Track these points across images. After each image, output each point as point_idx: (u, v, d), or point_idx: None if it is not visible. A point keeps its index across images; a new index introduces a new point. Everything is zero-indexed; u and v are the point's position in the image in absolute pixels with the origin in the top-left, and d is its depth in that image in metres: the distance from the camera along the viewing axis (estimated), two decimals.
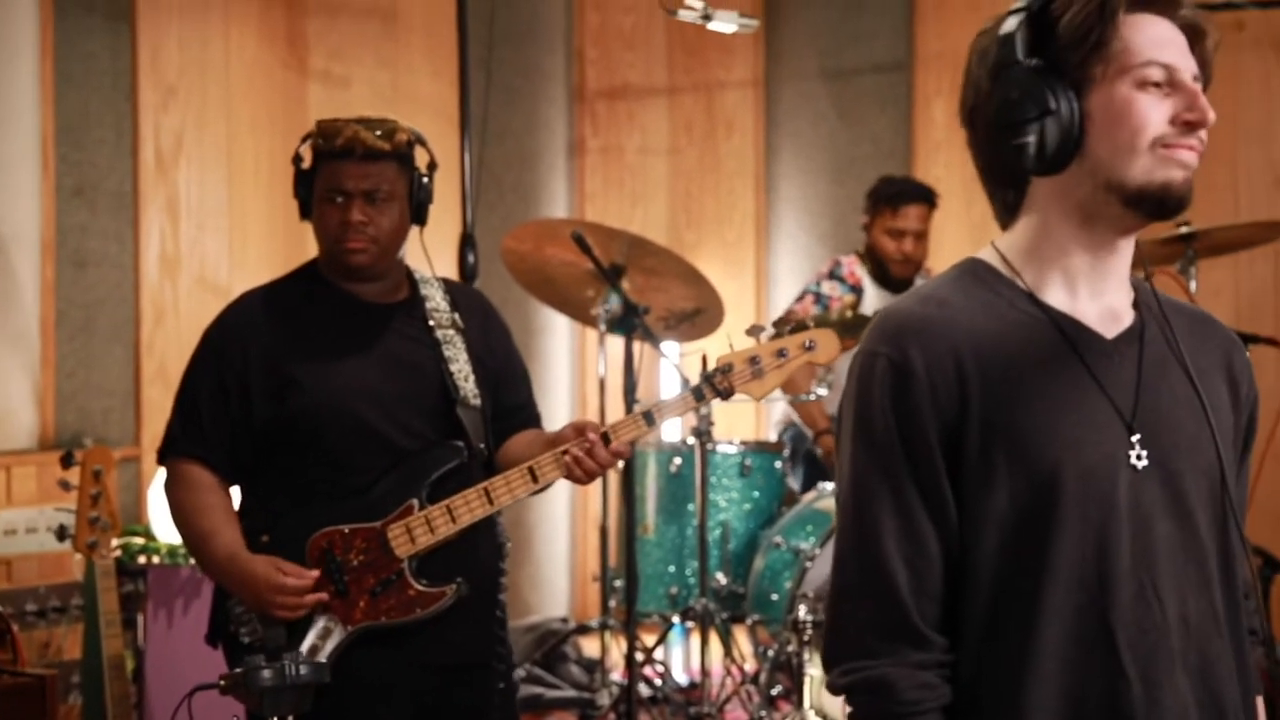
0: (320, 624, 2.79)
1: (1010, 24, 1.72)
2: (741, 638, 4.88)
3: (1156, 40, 1.71)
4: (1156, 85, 1.71)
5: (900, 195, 5.25)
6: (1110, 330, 1.76)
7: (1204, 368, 1.80)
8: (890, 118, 6.24)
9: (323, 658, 2.75)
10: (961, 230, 5.78)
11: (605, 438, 2.82)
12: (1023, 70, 1.71)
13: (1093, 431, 1.70)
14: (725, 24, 4.52)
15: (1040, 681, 1.68)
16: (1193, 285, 4.48)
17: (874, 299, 5.29)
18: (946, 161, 6.02)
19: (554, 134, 6.44)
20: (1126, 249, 1.77)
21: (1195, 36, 1.74)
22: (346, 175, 2.86)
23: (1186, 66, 1.72)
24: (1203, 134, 1.71)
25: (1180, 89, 1.71)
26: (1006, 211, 1.81)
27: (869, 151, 6.20)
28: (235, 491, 2.93)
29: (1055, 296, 1.76)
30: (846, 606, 1.73)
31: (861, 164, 6.16)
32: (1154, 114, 1.70)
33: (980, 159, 1.81)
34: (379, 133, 2.87)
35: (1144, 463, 1.71)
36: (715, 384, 2.89)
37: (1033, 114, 1.71)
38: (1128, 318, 1.78)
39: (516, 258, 4.65)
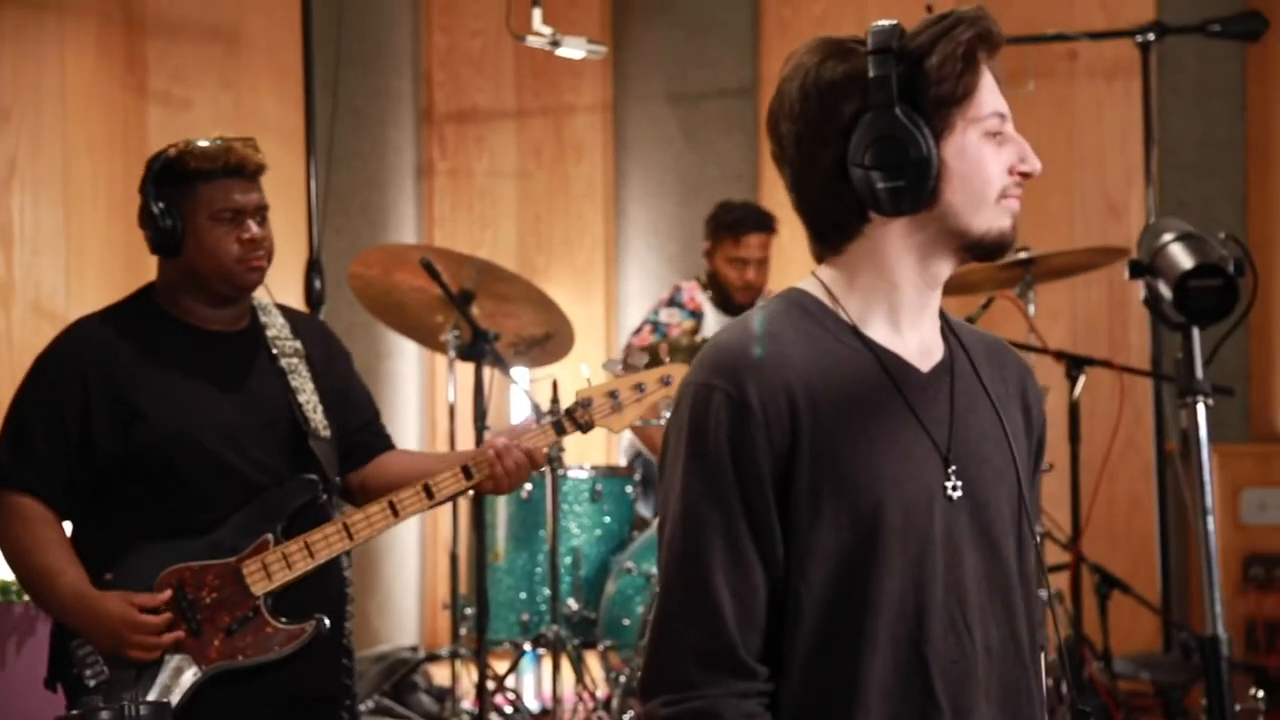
0: (172, 664, 2.72)
1: (876, 66, 1.74)
2: (594, 664, 4.87)
3: (994, 88, 1.77)
4: (996, 134, 1.76)
5: (741, 224, 5.30)
6: (925, 364, 1.81)
7: (1002, 395, 1.85)
8: (737, 141, 6.30)
9: (175, 698, 2.68)
10: (808, 253, 5.83)
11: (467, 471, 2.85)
12: (892, 113, 1.73)
13: (912, 466, 1.75)
14: (573, 50, 4.53)
15: (863, 713, 1.72)
16: (1031, 309, 4.58)
17: (714, 324, 5.34)
18: None
19: (402, 157, 6.40)
20: (938, 289, 1.82)
21: (999, 71, 1.80)
22: (238, 193, 2.81)
23: (1007, 110, 1.78)
24: None
25: (1011, 138, 1.78)
26: (830, 244, 1.82)
27: (716, 175, 6.26)
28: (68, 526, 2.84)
29: (878, 330, 1.80)
30: (671, 636, 1.75)
31: (709, 187, 6.22)
32: (998, 165, 1.76)
33: (811, 193, 1.81)
34: (254, 150, 2.84)
35: (958, 494, 1.76)
36: (576, 418, 2.93)
37: (910, 158, 1.73)
38: (939, 351, 1.83)
39: (364, 283, 4.59)
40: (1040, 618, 1.87)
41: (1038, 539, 1.85)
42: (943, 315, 1.86)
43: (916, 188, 1.73)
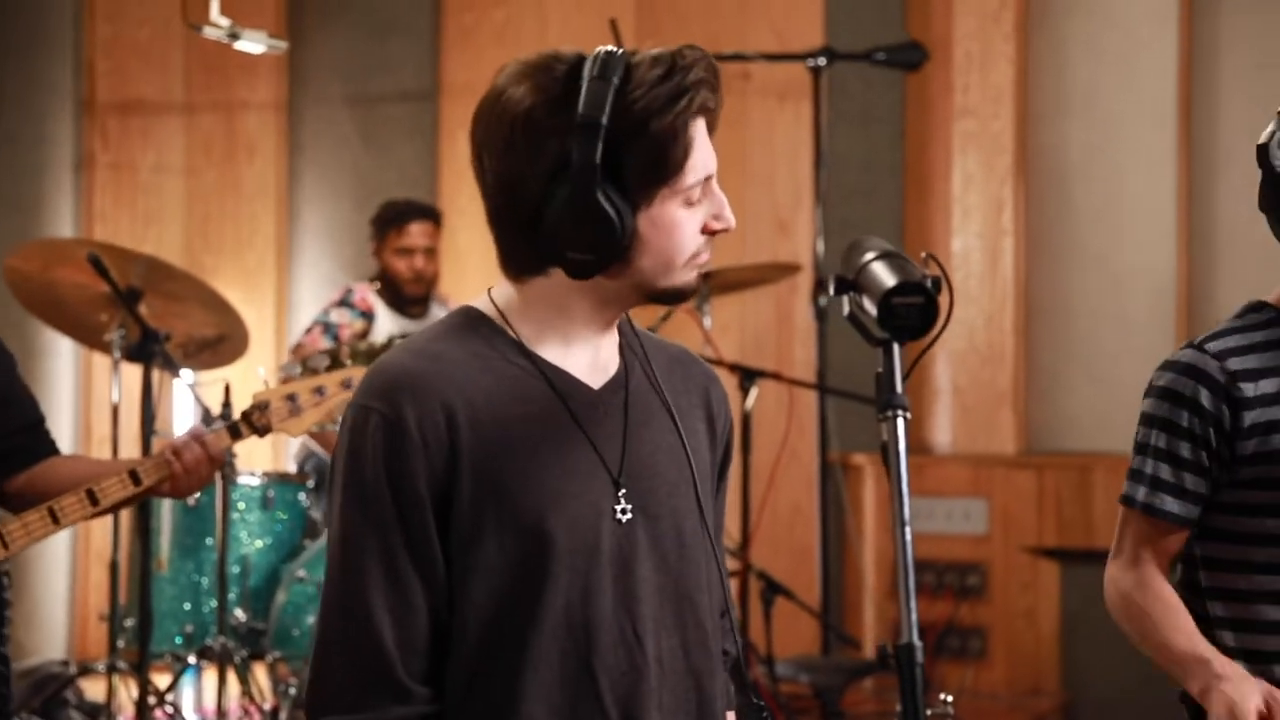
0: None
1: (584, 142, 1.68)
2: (262, 675, 4.74)
3: (703, 151, 1.74)
4: (698, 201, 1.75)
5: (404, 214, 5.35)
6: (597, 380, 1.81)
7: (684, 407, 1.87)
8: (416, 147, 6.25)
9: None
10: (488, 264, 5.82)
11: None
12: (593, 194, 1.69)
13: (577, 483, 1.75)
14: (254, 44, 4.40)
15: None
16: (707, 321, 4.70)
17: (387, 324, 5.31)
18: (472, 194, 6.00)
19: (60, 148, 6.11)
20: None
21: (714, 123, 1.78)
22: None
23: (715, 166, 1.77)
24: None
25: (711, 193, 1.77)
26: (512, 270, 1.80)
27: (394, 179, 6.19)
28: None
29: (548, 350, 1.79)
30: (331, 658, 1.74)
31: (387, 192, 6.15)
32: (693, 230, 1.76)
33: (503, 222, 1.78)
34: None
35: (628, 513, 1.77)
36: (253, 421, 2.83)
37: (596, 240, 1.71)
38: (614, 366, 1.83)
39: (21, 278, 4.35)
40: (728, 626, 1.90)
41: (719, 550, 1.87)
42: (632, 327, 1.87)
43: (604, 262, 1.72)
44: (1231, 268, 5.36)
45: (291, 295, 6.43)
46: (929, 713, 1.57)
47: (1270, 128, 2.22)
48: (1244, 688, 2.15)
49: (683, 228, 1.75)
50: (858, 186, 5.69)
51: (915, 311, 1.59)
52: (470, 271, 5.73)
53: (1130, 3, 5.50)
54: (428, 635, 1.74)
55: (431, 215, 5.39)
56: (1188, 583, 2.34)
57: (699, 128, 1.74)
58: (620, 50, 1.74)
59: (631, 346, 1.86)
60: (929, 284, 1.60)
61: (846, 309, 1.68)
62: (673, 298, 1.80)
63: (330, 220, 6.38)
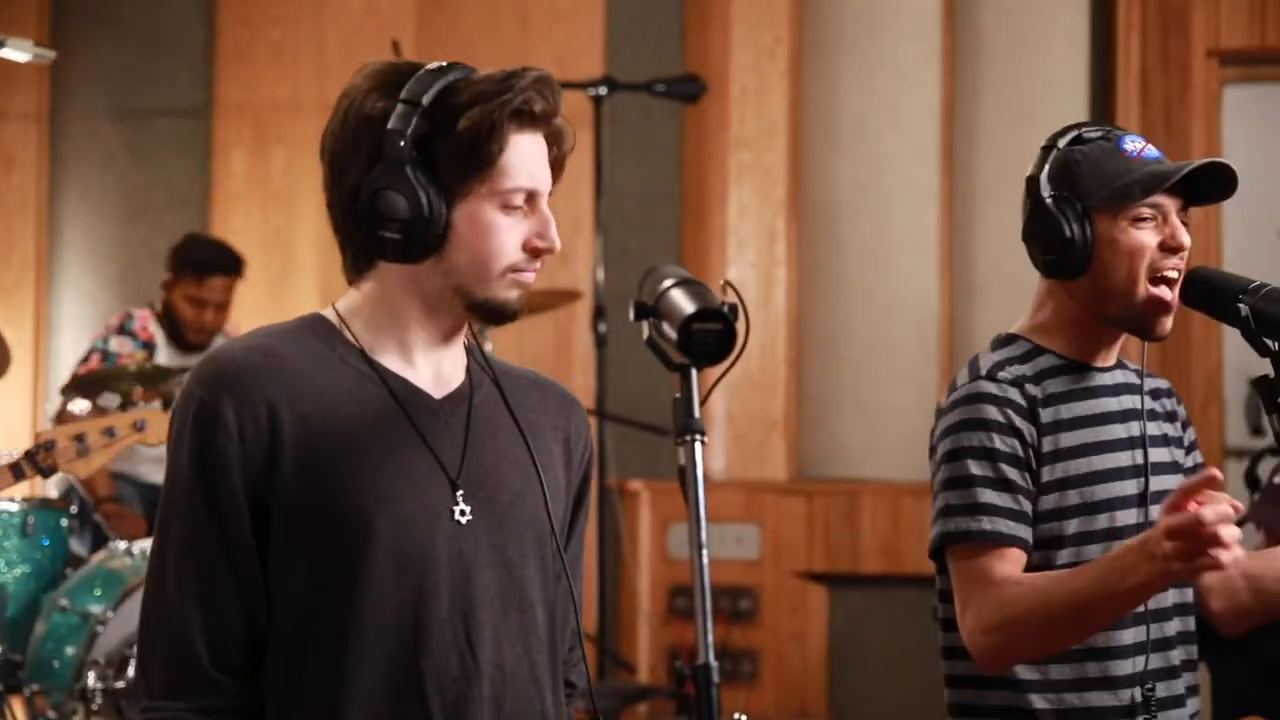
0: None
1: (399, 118, 1.75)
2: (20, 710, 4.55)
3: (528, 161, 1.79)
4: (518, 208, 1.79)
5: (207, 265, 5.13)
6: (439, 391, 1.83)
7: (539, 426, 1.89)
8: (187, 164, 6.10)
9: None
10: (261, 284, 5.73)
11: None
12: (400, 168, 1.74)
13: (411, 484, 1.76)
14: (19, 53, 4.23)
15: None
16: (488, 346, 4.68)
17: (166, 356, 5.15)
18: (246, 213, 5.96)
19: None
20: (462, 329, 1.86)
21: (557, 141, 1.83)
22: None
23: (546, 185, 1.81)
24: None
25: (537, 212, 1.81)
26: (350, 272, 1.85)
27: (164, 197, 6.03)
28: None
29: (389, 358, 1.81)
30: (146, 647, 1.78)
31: (156, 210, 5.99)
32: (511, 239, 1.79)
33: (335, 218, 1.83)
34: None
35: (467, 516, 1.78)
36: (38, 461, 2.74)
37: (402, 215, 1.75)
38: (458, 380, 1.85)
39: None
40: (577, 659, 1.92)
41: (575, 580, 1.88)
42: (482, 353, 1.90)
43: (409, 243, 1.76)
44: (988, 300, 5.57)
45: (51, 315, 6.20)
46: None
47: (1038, 160, 2.31)
48: (1154, 539, 2.00)
49: (498, 233, 1.78)
50: (637, 215, 5.75)
51: (714, 337, 1.63)
52: (245, 294, 5.58)
53: (899, 45, 5.69)
54: (239, 627, 1.75)
55: (235, 269, 5.18)
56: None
57: (528, 139, 1.79)
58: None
59: (482, 366, 1.88)
60: (727, 311, 1.64)
61: (646, 334, 1.70)
62: (493, 312, 1.81)
63: (94, 237, 6.18)
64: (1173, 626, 2.28)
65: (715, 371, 1.71)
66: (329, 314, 1.85)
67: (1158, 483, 2.28)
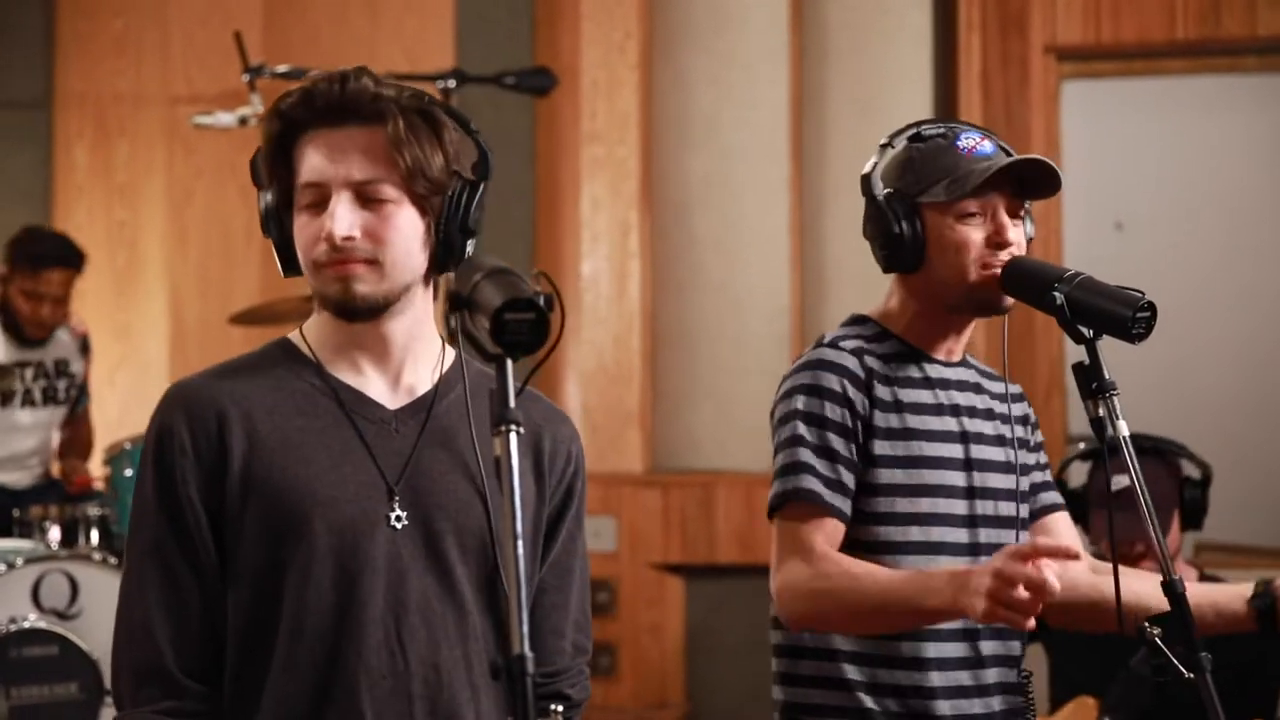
0: None
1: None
2: None
3: (318, 158, 1.86)
4: (308, 207, 1.87)
5: (42, 258, 4.99)
6: (397, 402, 1.91)
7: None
8: (28, 158, 5.96)
9: None
10: (106, 278, 5.62)
11: None
12: (262, 185, 1.95)
13: (350, 490, 1.85)
14: None
15: None
16: None
17: (4, 351, 5.03)
18: (89, 208, 5.84)
19: None
20: (402, 340, 1.92)
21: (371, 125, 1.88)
22: None
23: (328, 177, 1.85)
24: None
25: (328, 209, 1.87)
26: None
27: (5, 192, 5.89)
28: None
29: (343, 373, 1.91)
30: (119, 653, 1.87)
31: None
32: (308, 232, 1.88)
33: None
34: None
35: (404, 522, 1.86)
36: None
37: (270, 231, 1.93)
38: (422, 390, 1.92)
39: None
40: (572, 649, 2.08)
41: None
42: (463, 365, 1.93)
43: (284, 255, 1.92)
44: (839, 292, 5.64)
45: None
46: None
47: (873, 159, 2.34)
48: (980, 572, 2.02)
49: (301, 230, 1.89)
50: (490, 209, 5.66)
51: (526, 327, 1.65)
52: (89, 286, 5.46)
53: (748, 41, 5.73)
54: (204, 634, 1.85)
55: (73, 263, 5.03)
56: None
57: (301, 142, 1.88)
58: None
59: (456, 379, 1.93)
60: (540, 300, 1.64)
61: (458, 325, 1.71)
62: (334, 309, 1.89)
63: None
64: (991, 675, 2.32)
65: (562, 363, 1.72)
66: (294, 335, 1.96)
67: (982, 479, 2.34)
